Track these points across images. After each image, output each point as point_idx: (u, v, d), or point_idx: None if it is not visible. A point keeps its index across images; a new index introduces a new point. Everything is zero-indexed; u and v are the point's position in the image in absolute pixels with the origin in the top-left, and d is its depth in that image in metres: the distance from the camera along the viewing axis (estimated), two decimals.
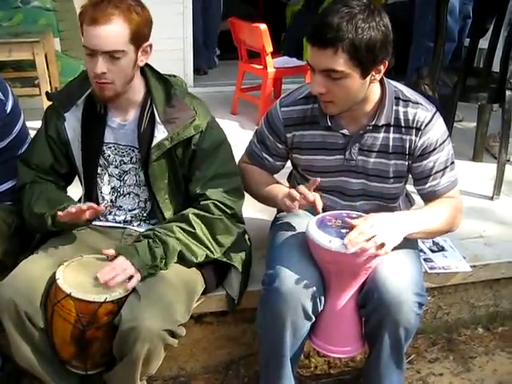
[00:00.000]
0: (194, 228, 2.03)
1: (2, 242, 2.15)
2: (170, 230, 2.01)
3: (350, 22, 1.81)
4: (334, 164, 2.13)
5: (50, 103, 2.18)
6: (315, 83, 1.93)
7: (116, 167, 2.14)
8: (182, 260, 2.02)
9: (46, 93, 2.25)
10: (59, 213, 1.92)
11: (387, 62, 1.92)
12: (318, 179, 1.98)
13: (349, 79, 1.88)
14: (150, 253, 1.94)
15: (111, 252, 1.96)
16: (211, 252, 2.07)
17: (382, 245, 1.85)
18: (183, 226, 2.03)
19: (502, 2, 3.22)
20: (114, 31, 1.86)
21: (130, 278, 1.91)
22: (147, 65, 2.08)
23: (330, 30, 1.81)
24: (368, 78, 1.91)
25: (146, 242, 1.96)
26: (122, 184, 2.15)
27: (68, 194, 2.25)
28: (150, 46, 1.97)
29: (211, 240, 2.07)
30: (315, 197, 1.96)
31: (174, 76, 2.15)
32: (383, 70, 1.94)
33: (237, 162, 2.25)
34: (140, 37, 1.91)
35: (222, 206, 2.07)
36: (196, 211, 2.05)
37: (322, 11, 1.89)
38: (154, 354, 1.87)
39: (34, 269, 1.96)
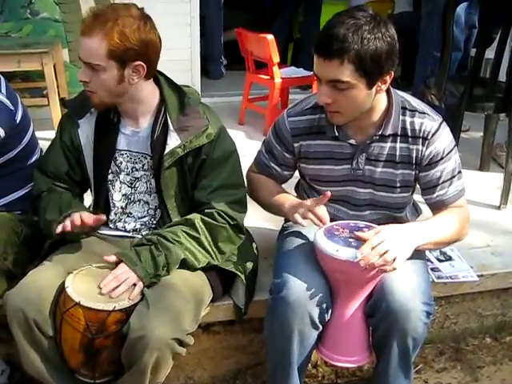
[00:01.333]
0: (198, 233, 2.05)
1: (12, 251, 2.16)
2: (175, 234, 2.02)
3: (355, 33, 1.82)
4: (341, 174, 2.14)
5: (66, 111, 2.21)
6: (321, 94, 1.94)
7: (128, 174, 2.15)
8: (184, 265, 2.02)
9: (62, 100, 2.28)
10: (57, 229, 1.95)
11: (393, 73, 1.93)
12: (329, 193, 1.99)
13: (355, 90, 1.89)
14: (152, 261, 1.95)
15: (112, 258, 1.97)
16: (212, 258, 2.09)
17: (393, 259, 1.84)
18: (188, 230, 2.04)
19: (508, 12, 3.23)
20: (91, 45, 1.91)
21: (134, 285, 1.92)
22: (162, 74, 2.11)
23: (335, 41, 1.82)
24: (374, 89, 1.92)
25: (149, 250, 1.98)
26: (133, 191, 2.17)
27: (83, 201, 2.27)
28: (143, 66, 1.97)
29: (213, 247, 2.08)
30: (323, 217, 2.01)
31: (188, 86, 2.18)
32: (389, 81, 1.94)
33: (244, 172, 2.26)
34: (122, 56, 1.92)
35: (225, 216, 2.09)
36: (202, 216, 2.07)
37: (328, 22, 1.90)
38: (162, 363, 1.87)
39: (43, 277, 1.97)
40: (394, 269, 1.86)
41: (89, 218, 1.97)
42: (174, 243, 2.00)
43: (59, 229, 1.96)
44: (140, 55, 1.95)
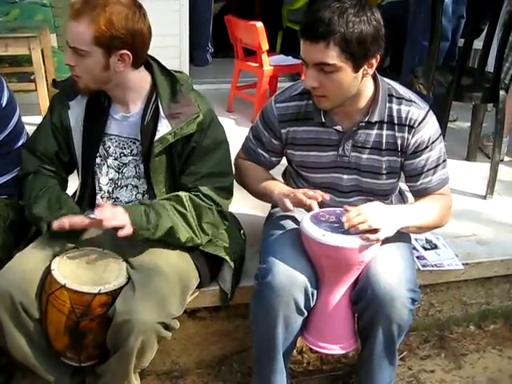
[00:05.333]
0: (185, 209, 2.05)
1: None
2: (163, 207, 2.02)
3: (340, 16, 1.85)
4: (328, 160, 2.15)
5: (57, 91, 2.20)
6: (308, 77, 1.95)
7: (115, 159, 2.15)
8: (169, 236, 2.02)
9: (53, 80, 2.27)
10: (54, 224, 1.94)
11: (379, 57, 1.95)
12: (327, 197, 2.02)
13: (341, 73, 1.90)
14: (145, 216, 1.96)
15: (106, 204, 1.99)
16: (196, 236, 2.08)
17: (376, 230, 1.87)
18: (176, 205, 2.04)
19: (496, 3, 3.24)
20: (77, 29, 1.90)
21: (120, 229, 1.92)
22: (154, 59, 2.10)
23: (321, 24, 1.85)
24: (360, 72, 1.94)
25: (142, 208, 1.98)
26: (120, 176, 2.16)
27: (68, 188, 2.27)
28: (128, 55, 1.96)
29: (197, 225, 2.08)
30: (312, 203, 2.00)
31: (181, 72, 2.17)
32: (375, 65, 1.96)
33: (233, 160, 2.26)
34: (108, 43, 1.91)
35: (210, 201, 2.10)
36: (190, 195, 2.08)
37: (314, 7, 1.92)
38: (147, 347, 1.88)
39: (29, 260, 1.97)
40: (378, 240, 1.88)
41: (82, 222, 1.97)
42: (164, 211, 2.01)
43: (55, 226, 1.94)
44: (126, 44, 1.94)
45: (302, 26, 1.91)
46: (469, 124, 3.84)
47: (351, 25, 1.85)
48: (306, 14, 5.40)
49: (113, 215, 1.91)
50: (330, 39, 1.85)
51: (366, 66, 1.93)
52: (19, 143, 2.32)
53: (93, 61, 1.94)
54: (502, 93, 3.25)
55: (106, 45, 1.92)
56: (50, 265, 1.94)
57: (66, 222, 1.94)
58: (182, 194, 2.07)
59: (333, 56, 1.87)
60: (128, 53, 1.95)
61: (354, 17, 1.86)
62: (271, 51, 4.52)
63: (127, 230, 1.92)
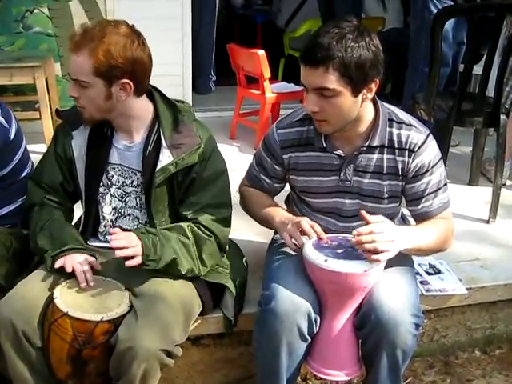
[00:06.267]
0: (188, 239, 2.05)
1: (1, 264, 2.15)
2: (167, 237, 2.02)
3: (339, 42, 1.88)
4: (330, 185, 2.16)
5: (60, 121, 2.23)
6: (309, 102, 1.97)
7: (118, 188, 2.16)
8: (170, 267, 2.01)
9: (56, 110, 2.29)
10: (56, 264, 1.98)
11: (378, 81, 1.97)
12: (325, 237, 2.01)
13: (341, 97, 1.92)
14: (153, 247, 1.96)
15: (118, 230, 1.97)
16: (196, 267, 2.08)
17: (381, 252, 1.87)
18: (179, 236, 2.05)
19: (495, 29, 3.27)
20: (77, 62, 1.94)
21: (130, 259, 1.92)
22: (156, 89, 2.12)
23: (320, 49, 1.88)
24: (360, 97, 1.96)
25: (150, 238, 1.98)
26: (123, 205, 2.17)
27: (73, 217, 2.29)
28: (129, 84, 1.98)
29: (197, 256, 2.08)
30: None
31: (183, 102, 2.19)
32: (374, 89, 1.98)
33: (237, 187, 2.27)
34: (108, 73, 1.94)
35: (209, 232, 2.10)
36: (191, 225, 2.08)
37: (314, 33, 1.96)
38: (150, 374, 1.87)
39: (32, 288, 1.98)
40: (378, 260, 1.88)
41: (85, 264, 2.00)
42: (168, 241, 2.01)
43: (57, 266, 1.98)
44: (126, 73, 1.96)
45: (302, 52, 1.95)
46: (470, 149, 3.85)
47: (350, 50, 1.88)
48: (308, 40, 5.47)
49: (128, 243, 1.91)
50: (329, 64, 1.87)
51: (365, 91, 1.96)
52: (24, 173, 2.34)
53: (95, 91, 1.97)
54: (502, 117, 3.27)
55: (106, 75, 1.94)
56: (52, 293, 1.94)
57: (69, 265, 1.97)
58: (183, 224, 2.08)
59: (332, 80, 1.89)
60: (129, 81, 1.97)
61: (353, 42, 1.88)
62: (273, 79, 4.56)
63: (137, 261, 1.92)
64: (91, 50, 1.91)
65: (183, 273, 2.05)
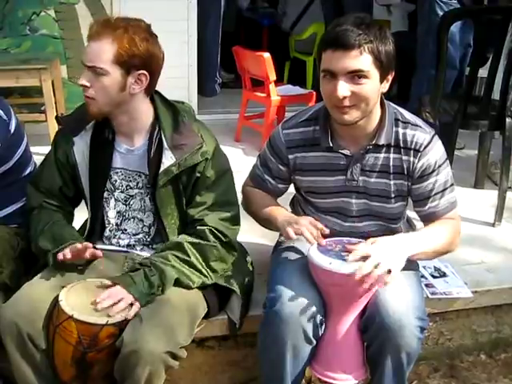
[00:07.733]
0: (188, 256, 2.05)
1: (7, 264, 2.16)
2: (166, 259, 2.02)
3: (368, 29, 1.91)
4: (336, 184, 2.15)
5: (60, 127, 2.22)
6: (340, 87, 1.93)
7: (122, 192, 2.16)
8: (179, 285, 2.03)
9: (56, 116, 2.29)
10: (58, 257, 1.98)
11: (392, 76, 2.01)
12: (327, 231, 2.02)
13: (371, 81, 1.94)
14: (146, 282, 1.95)
15: (107, 282, 1.98)
16: (206, 278, 2.09)
17: (389, 271, 1.86)
18: (178, 254, 2.04)
19: (500, 31, 3.27)
20: (99, 48, 1.94)
21: (131, 305, 1.93)
22: (156, 92, 2.12)
23: (352, 33, 1.89)
24: (382, 84, 1.99)
25: (143, 272, 1.97)
26: (127, 208, 2.17)
27: (74, 221, 2.29)
28: (146, 76, 1.99)
29: (205, 267, 2.08)
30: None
31: (183, 103, 2.19)
32: (389, 83, 2.01)
33: (239, 188, 2.27)
34: (128, 62, 1.94)
35: (217, 234, 2.10)
36: (190, 239, 2.07)
37: (334, 23, 1.97)
38: (155, 377, 1.87)
39: (37, 291, 1.98)
40: (387, 283, 1.87)
41: (85, 247, 2.00)
42: (167, 265, 2.01)
43: (60, 258, 1.98)
44: (144, 65, 1.97)
45: (328, 39, 1.95)
46: (476, 152, 3.84)
47: (379, 36, 1.92)
48: (313, 43, 5.47)
49: (110, 299, 1.91)
50: (364, 47, 1.90)
51: (385, 80, 1.99)
52: (27, 171, 2.35)
53: (110, 80, 1.96)
54: (508, 120, 3.25)
55: (126, 63, 1.94)
56: (57, 295, 1.94)
57: (68, 251, 1.97)
58: (182, 240, 2.08)
59: (367, 63, 1.91)
60: (146, 73, 1.98)
61: (379, 31, 1.93)
62: (278, 81, 4.56)
63: (135, 308, 1.92)
64: (115, 36, 1.92)
65: (193, 286, 2.06)
